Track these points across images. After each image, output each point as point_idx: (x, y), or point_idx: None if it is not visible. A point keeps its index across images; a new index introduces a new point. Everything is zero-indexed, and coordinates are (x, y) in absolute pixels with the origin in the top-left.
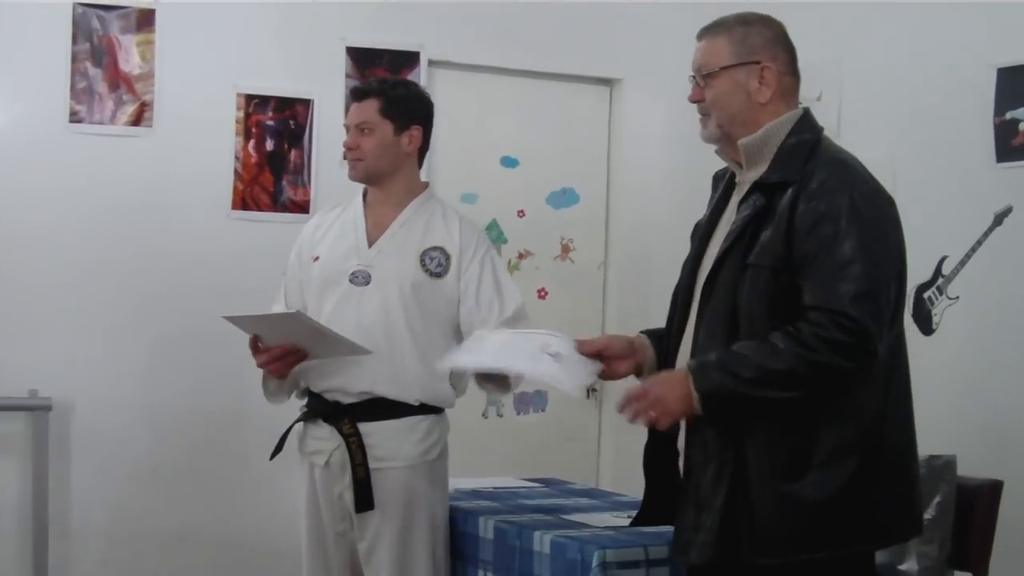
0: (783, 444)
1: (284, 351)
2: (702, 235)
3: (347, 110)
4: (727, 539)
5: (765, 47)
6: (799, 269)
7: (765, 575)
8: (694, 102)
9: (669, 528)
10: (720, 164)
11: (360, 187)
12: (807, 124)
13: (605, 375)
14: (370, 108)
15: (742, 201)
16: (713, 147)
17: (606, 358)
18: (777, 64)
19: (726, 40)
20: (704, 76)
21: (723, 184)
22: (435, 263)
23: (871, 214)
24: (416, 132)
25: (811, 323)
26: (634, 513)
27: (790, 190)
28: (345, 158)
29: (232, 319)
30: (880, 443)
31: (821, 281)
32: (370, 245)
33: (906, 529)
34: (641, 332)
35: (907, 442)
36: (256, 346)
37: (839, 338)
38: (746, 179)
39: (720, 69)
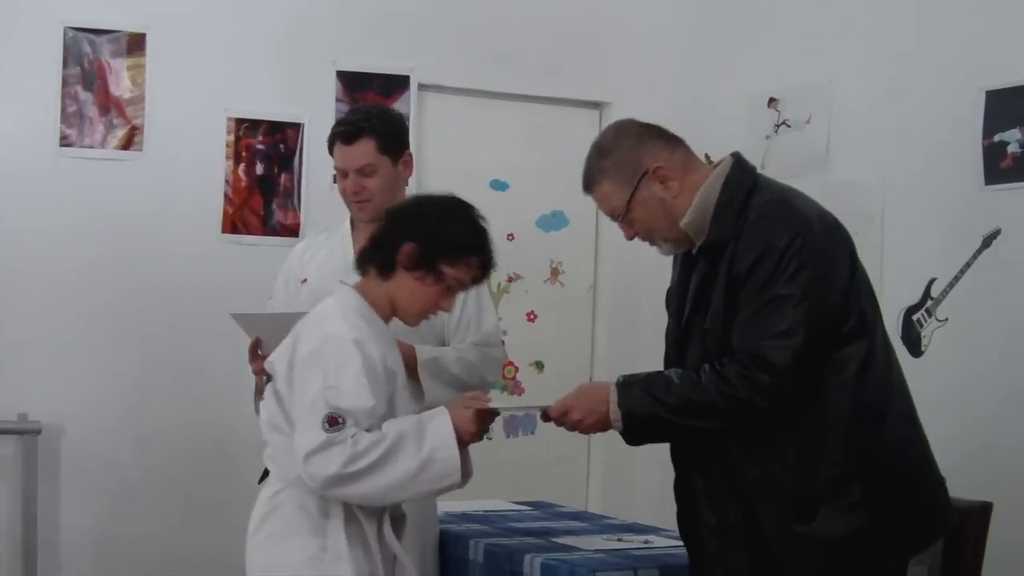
0: (784, 489)
1: None
2: (676, 305)
3: (331, 149)
4: None
5: (638, 156)
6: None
7: None
8: (631, 239)
9: (660, 549)
10: None
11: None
12: (737, 174)
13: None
14: (368, 149)
15: (693, 269)
16: None
17: None
18: (658, 157)
19: (607, 182)
20: (621, 220)
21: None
22: None
23: (801, 250)
24: (408, 157)
25: (735, 361)
26: (624, 536)
27: (729, 247)
28: (347, 200)
29: (239, 317)
30: (882, 464)
31: (746, 321)
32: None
33: (931, 531)
34: (621, 376)
35: (916, 454)
36: (255, 351)
37: (759, 378)
38: (695, 247)
39: (627, 207)
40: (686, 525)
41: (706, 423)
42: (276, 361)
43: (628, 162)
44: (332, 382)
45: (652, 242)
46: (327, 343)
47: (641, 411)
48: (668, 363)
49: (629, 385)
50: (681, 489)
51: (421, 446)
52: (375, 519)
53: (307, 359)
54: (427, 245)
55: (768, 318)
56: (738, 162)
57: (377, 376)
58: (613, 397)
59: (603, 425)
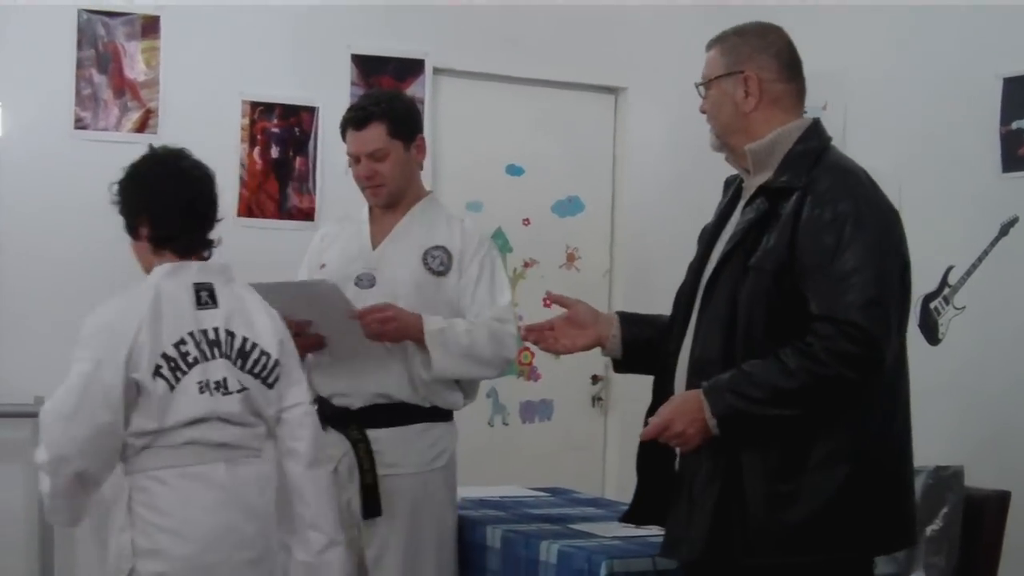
0: (777, 447)
1: (300, 328)
2: (708, 239)
3: (344, 135)
4: (718, 538)
5: (751, 56)
6: (801, 276)
7: (757, 575)
8: (703, 112)
9: None
10: (728, 171)
11: None
12: (816, 133)
13: (547, 348)
14: (378, 133)
15: (747, 205)
16: (722, 155)
17: (568, 320)
18: (763, 73)
19: (719, 51)
20: (703, 86)
21: (732, 189)
22: (437, 262)
23: (875, 223)
24: (421, 141)
25: (820, 336)
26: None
27: (795, 195)
28: (361, 185)
29: (259, 287)
30: (877, 452)
31: (827, 290)
32: (374, 249)
33: (899, 539)
34: (618, 312)
35: (904, 452)
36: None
37: (848, 349)
38: (752, 184)
39: (711, 80)
40: (652, 454)
41: (799, 410)
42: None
43: (741, 53)
44: None
45: (710, 125)
46: None
47: (734, 413)
48: (681, 293)
49: (717, 390)
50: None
51: None
52: None
53: None
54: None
55: (850, 291)
56: (817, 123)
57: None
58: (705, 405)
59: (705, 433)
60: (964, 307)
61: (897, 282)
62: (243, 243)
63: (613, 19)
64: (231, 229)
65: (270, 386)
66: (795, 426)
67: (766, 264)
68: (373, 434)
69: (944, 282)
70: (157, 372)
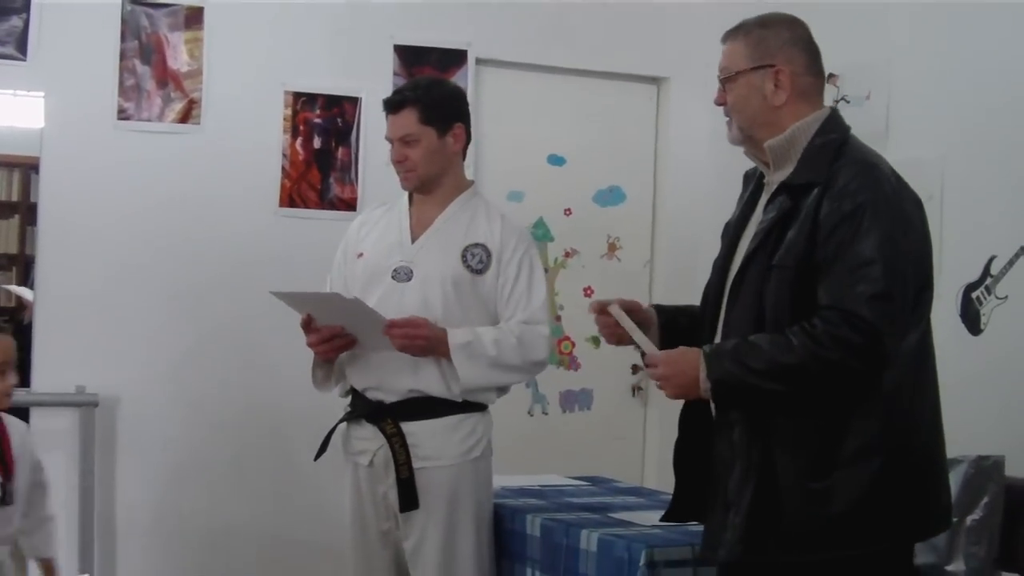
0: (809, 443)
1: (333, 333)
2: (732, 235)
3: (386, 119)
4: (755, 537)
5: (781, 49)
6: (819, 269)
7: (795, 572)
8: (718, 104)
9: None
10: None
11: None
12: (834, 124)
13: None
14: (409, 119)
15: (769, 202)
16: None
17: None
18: (792, 66)
19: (743, 44)
20: (724, 80)
21: (752, 183)
22: (476, 259)
23: (892, 216)
24: (459, 130)
25: (825, 320)
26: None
27: (816, 190)
28: (396, 169)
29: (283, 296)
30: (907, 442)
31: (838, 281)
32: (413, 241)
33: (935, 524)
34: (652, 305)
35: (934, 440)
36: (308, 325)
37: (852, 338)
38: (774, 179)
39: (737, 73)
40: (690, 453)
41: (796, 387)
42: None
43: (769, 46)
44: None
45: (729, 121)
46: None
47: (730, 379)
48: (708, 290)
49: (718, 355)
50: (693, 418)
51: None
52: None
53: None
54: None
55: (860, 282)
56: (835, 113)
57: None
58: (702, 366)
59: (686, 390)
60: (1006, 297)
61: (911, 275)
62: (285, 233)
63: (655, 9)
64: (273, 219)
65: None
66: (823, 421)
67: (788, 260)
68: (408, 427)
69: (986, 272)
70: None
